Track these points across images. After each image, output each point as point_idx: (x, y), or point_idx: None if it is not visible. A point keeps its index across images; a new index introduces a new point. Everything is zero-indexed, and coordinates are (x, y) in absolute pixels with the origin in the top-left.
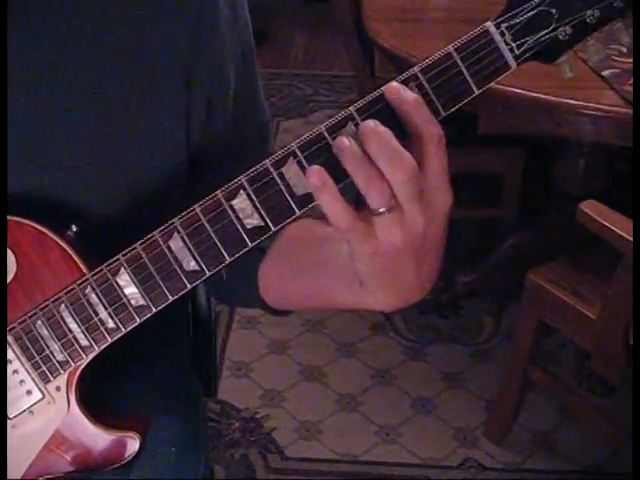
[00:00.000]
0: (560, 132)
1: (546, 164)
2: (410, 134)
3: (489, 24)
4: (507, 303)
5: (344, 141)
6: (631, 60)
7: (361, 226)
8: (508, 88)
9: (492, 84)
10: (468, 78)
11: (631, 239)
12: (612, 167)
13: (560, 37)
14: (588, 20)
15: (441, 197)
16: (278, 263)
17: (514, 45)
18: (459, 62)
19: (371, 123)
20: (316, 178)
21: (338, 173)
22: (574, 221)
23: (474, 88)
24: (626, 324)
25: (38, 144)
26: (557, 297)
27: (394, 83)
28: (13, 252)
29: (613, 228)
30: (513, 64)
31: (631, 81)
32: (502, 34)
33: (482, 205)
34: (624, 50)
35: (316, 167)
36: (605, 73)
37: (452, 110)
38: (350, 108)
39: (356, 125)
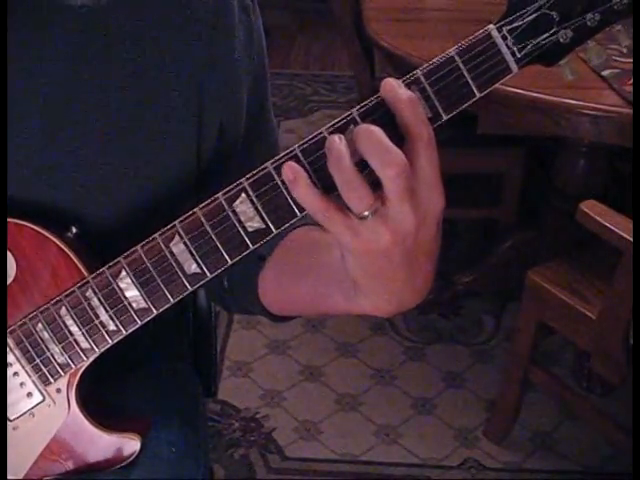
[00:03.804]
0: (560, 132)
1: (546, 164)
2: (402, 134)
3: (491, 27)
4: (507, 303)
5: (334, 140)
6: (631, 60)
7: (348, 224)
8: (508, 88)
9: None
10: (470, 82)
11: (631, 239)
12: (612, 167)
13: (561, 40)
14: (589, 23)
15: (433, 199)
16: (276, 269)
17: (515, 49)
18: (461, 66)
19: (364, 125)
20: (289, 172)
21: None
22: (574, 221)
23: (476, 91)
24: (626, 324)
25: (42, 152)
26: (557, 297)
27: (391, 80)
28: (13, 254)
29: (613, 228)
30: (514, 68)
31: (631, 81)
32: (504, 38)
33: (482, 205)
34: (624, 50)
35: (291, 163)
36: (605, 73)
37: (454, 114)
38: (353, 110)
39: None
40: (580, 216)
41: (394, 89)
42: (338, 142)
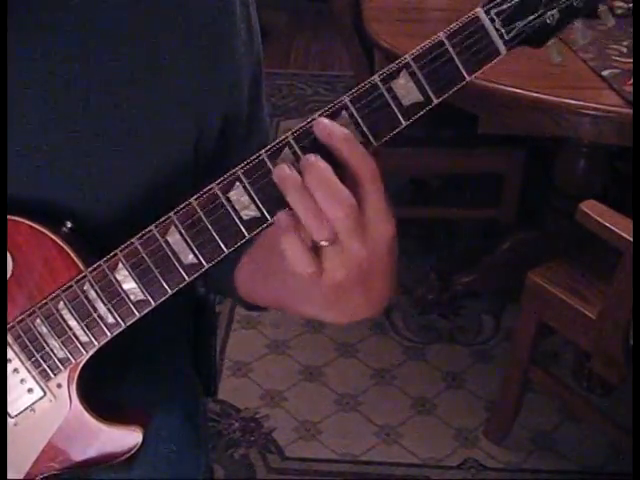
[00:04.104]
0: (560, 132)
1: (546, 164)
2: (344, 170)
3: (479, 10)
4: (507, 303)
5: (285, 169)
6: (631, 60)
7: (312, 263)
8: (508, 88)
9: (490, 83)
10: (459, 65)
11: (631, 239)
12: (612, 167)
13: (548, 21)
14: (575, 4)
15: (381, 230)
16: (251, 263)
17: (504, 31)
18: (450, 49)
19: (312, 157)
20: (283, 221)
21: (334, 163)
22: (574, 221)
23: (465, 75)
24: (626, 324)
25: (36, 147)
26: (557, 297)
27: (321, 119)
28: (9, 251)
29: (613, 228)
30: (503, 50)
31: (631, 81)
32: (492, 20)
33: (482, 205)
34: (624, 50)
35: (285, 212)
36: (605, 73)
37: (444, 97)
38: (344, 97)
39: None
40: (580, 216)
41: (327, 128)
42: (289, 172)
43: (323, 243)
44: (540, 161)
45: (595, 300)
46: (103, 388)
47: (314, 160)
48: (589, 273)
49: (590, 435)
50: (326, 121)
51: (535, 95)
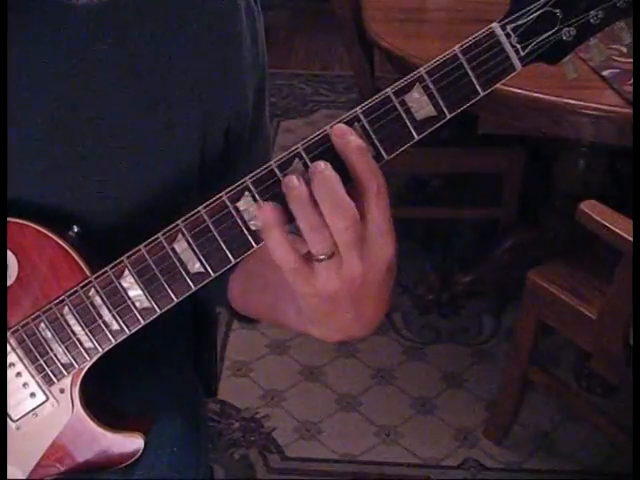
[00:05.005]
0: (560, 132)
1: (546, 164)
2: (353, 180)
3: (495, 25)
4: (507, 303)
5: (293, 181)
6: (631, 60)
7: (301, 271)
8: (508, 88)
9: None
10: (474, 80)
11: (631, 239)
12: (612, 167)
13: (564, 38)
14: (592, 21)
15: (382, 246)
16: (245, 274)
17: (519, 47)
18: (465, 64)
19: (321, 165)
20: (267, 215)
21: (342, 176)
22: (574, 221)
23: (479, 90)
24: (626, 324)
25: (44, 152)
26: (557, 297)
27: (341, 125)
28: (14, 254)
29: (613, 228)
30: (518, 66)
31: (631, 81)
32: (508, 36)
33: (482, 205)
34: (624, 50)
35: (270, 204)
36: (605, 73)
37: (457, 112)
38: (357, 109)
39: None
40: (580, 216)
41: (345, 136)
42: (298, 184)
43: (320, 257)
44: (540, 161)
45: (595, 300)
46: (104, 391)
47: (323, 168)
48: (589, 273)
49: (590, 435)
50: (344, 127)
51: (535, 95)
